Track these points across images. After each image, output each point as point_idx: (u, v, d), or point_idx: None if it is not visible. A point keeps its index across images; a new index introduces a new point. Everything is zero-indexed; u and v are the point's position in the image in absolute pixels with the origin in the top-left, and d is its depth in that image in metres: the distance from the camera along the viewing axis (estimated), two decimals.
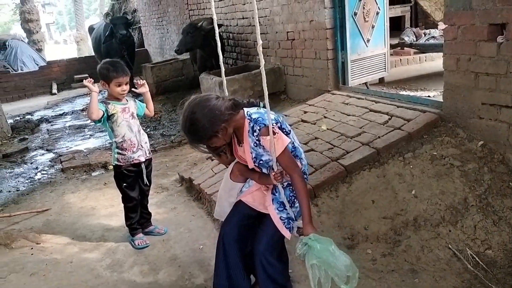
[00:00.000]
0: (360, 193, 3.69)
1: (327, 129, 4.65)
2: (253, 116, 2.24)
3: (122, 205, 3.76)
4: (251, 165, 2.32)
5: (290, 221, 2.41)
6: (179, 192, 4.81)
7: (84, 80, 3.42)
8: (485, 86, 3.64)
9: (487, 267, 2.93)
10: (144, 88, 3.61)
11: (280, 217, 2.38)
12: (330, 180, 3.79)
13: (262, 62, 2.23)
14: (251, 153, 2.26)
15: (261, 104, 2.39)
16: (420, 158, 3.78)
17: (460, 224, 3.22)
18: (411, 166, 3.73)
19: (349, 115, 4.86)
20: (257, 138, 2.21)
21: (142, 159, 3.59)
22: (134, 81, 3.69)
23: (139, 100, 3.76)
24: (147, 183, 3.74)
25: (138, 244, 3.70)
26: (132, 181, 3.61)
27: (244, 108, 2.29)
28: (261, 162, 2.31)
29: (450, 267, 2.99)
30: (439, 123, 4.10)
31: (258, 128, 2.20)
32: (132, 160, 3.53)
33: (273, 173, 2.27)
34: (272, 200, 2.39)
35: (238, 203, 2.55)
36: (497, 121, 3.59)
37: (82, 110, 10.59)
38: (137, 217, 3.76)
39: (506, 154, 3.55)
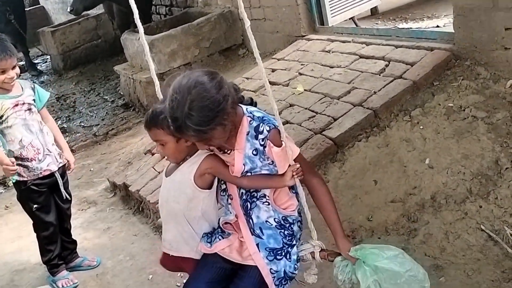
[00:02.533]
0: (357, 172, 3.76)
1: (305, 90, 4.68)
2: (256, 114, 2.24)
3: (35, 234, 3.73)
4: (237, 174, 2.26)
5: (282, 281, 2.33)
6: (112, 205, 4.79)
7: None
8: (508, 5, 3.73)
9: None
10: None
11: (270, 269, 2.31)
12: (316, 161, 3.85)
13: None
14: (244, 164, 2.23)
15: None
16: (432, 114, 3.87)
17: (493, 196, 3.33)
18: (421, 127, 3.82)
19: (332, 67, 4.90)
20: (262, 143, 2.20)
21: (54, 167, 3.58)
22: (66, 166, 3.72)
23: (38, 83, 3.73)
24: (67, 197, 3.73)
25: (63, 286, 3.70)
26: (45, 200, 3.59)
27: (240, 105, 2.27)
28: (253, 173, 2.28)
29: (485, 255, 3.11)
30: (452, 62, 4.18)
31: (267, 129, 2.19)
32: (40, 173, 3.50)
33: (292, 169, 2.23)
34: (258, 245, 2.32)
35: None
36: None
37: None
38: (58, 249, 3.75)
39: None
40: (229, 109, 2.08)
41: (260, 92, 4.99)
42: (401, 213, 3.46)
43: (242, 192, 2.33)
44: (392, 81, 4.26)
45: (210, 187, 2.36)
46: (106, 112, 7.75)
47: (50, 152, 3.56)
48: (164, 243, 2.48)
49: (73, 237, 3.95)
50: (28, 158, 3.44)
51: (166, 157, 2.40)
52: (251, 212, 2.32)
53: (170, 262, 2.53)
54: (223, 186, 2.39)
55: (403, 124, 3.89)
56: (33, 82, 10.95)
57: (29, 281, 3.91)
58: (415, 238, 3.31)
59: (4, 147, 3.46)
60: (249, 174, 2.26)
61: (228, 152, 2.27)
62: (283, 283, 2.34)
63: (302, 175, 2.27)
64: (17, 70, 3.40)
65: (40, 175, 3.50)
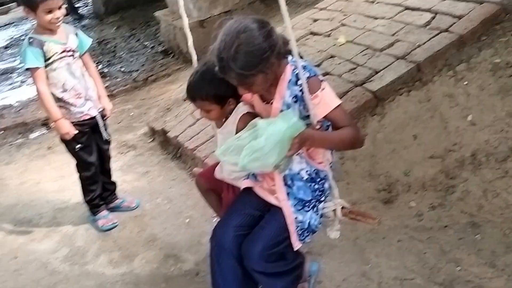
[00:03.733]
0: (396, 127, 3.72)
1: (347, 41, 4.61)
2: (300, 64, 2.23)
3: (77, 175, 3.84)
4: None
5: (305, 232, 2.42)
6: (151, 150, 4.88)
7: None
8: None
9: None
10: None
11: (296, 218, 2.38)
12: (355, 113, 3.82)
13: None
14: (281, 111, 2.26)
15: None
16: (477, 69, 3.77)
17: None
18: (465, 83, 3.73)
19: (376, 18, 4.79)
20: (300, 89, 2.21)
21: (94, 112, 3.64)
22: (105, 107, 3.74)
23: (80, 27, 3.75)
24: (108, 138, 3.81)
25: (103, 225, 3.83)
26: (87, 140, 3.67)
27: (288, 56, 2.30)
28: None
29: None
30: (502, 16, 4.05)
31: (307, 75, 2.21)
32: (81, 117, 3.57)
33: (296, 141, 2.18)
34: (288, 194, 2.40)
35: (240, 194, 2.57)
36: None
37: (6, 47, 10.50)
38: (99, 189, 3.86)
39: None
40: (273, 59, 2.12)
41: (301, 43, 4.92)
42: (440, 169, 3.43)
43: None
44: (437, 34, 4.15)
45: None
46: (146, 58, 7.79)
47: (92, 96, 3.61)
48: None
49: (113, 179, 4.04)
50: (69, 102, 3.50)
51: (208, 120, 2.56)
52: None
53: (209, 179, 2.70)
54: None
55: (447, 79, 3.81)
56: (75, 27, 11.08)
57: (70, 219, 4.05)
58: (452, 194, 3.29)
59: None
60: None
61: (270, 102, 2.31)
62: (305, 234, 2.42)
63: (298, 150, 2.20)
64: (63, 10, 3.42)
65: (81, 119, 3.57)
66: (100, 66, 7.78)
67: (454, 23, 4.17)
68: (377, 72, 4.05)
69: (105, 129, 3.78)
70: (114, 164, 4.37)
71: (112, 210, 3.97)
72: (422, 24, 4.37)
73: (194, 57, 2.66)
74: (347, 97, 3.93)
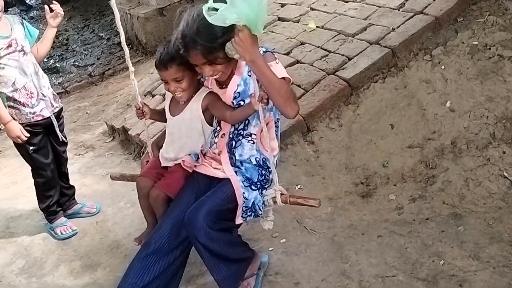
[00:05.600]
0: (372, 116, 3.76)
1: (317, 27, 4.62)
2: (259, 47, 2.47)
3: (30, 180, 3.77)
4: (229, 98, 2.60)
5: (248, 211, 2.59)
6: (111, 150, 4.83)
7: None
8: None
9: None
10: (58, 20, 3.65)
11: (243, 193, 2.57)
12: (328, 103, 3.85)
13: None
14: (237, 86, 2.56)
15: None
16: (454, 53, 3.83)
17: None
18: (442, 67, 3.79)
19: (347, 2, 4.84)
20: None
21: (47, 113, 3.56)
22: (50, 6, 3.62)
23: (26, 19, 3.66)
24: (63, 139, 3.75)
25: (61, 233, 3.77)
26: (41, 142, 3.61)
27: None
28: (241, 102, 2.58)
29: (507, 203, 3.15)
30: None
31: (264, 50, 2.48)
32: (33, 117, 3.50)
33: (258, 95, 2.42)
34: (236, 172, 2.61)
35: (184, 184, 2.77)
36: None
37: None
38: (56, 195, 3.79)
39: None
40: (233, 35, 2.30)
41: (269, 29, 4.92)
42: (419, 159, 3.48)
43: (230, 131, 2.64)
44: (412, 16, 4.21)
45: (212, 124, 2.73)
46: (102, 51, 7.70)
47: (45, 96, 3.53)
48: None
49: (72, 182, 3.98)
50: (20, 102, 3.43)
51: (177, 94, 2.65)
52: (234, 150, 2.64)
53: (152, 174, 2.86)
54: (217, 128, 2.72)
55: (423, 64, 3.87)
56: (22, 17, 10.85)
57: (25, 228, 3.97)
58: (433, 185, 3.34)
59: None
60: (237, 96, 2.57)
61: (223, 86, 2.61)
62: (248, 213, 2.60)
63: (267, 102, 2.43)
64: (1, 2, 3.34)
65: (32, 120, 3.49)
66: (51, 61, 7.66)
67: (429, 4, 4.24)
68: (350, 59, 4.08)
69: (62, 130, 3.72)
70: (71, 166, 4.31)
71: (71, 216, 3.91)
72: (396, 7, 4.42)
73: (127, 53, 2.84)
74: (319, 86, 3.95)
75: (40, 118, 3.53)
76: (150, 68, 5.69)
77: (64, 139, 3.75)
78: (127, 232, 3.70)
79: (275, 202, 2.63)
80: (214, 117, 2.71)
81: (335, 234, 3.19)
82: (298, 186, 3.56)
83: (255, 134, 2.60)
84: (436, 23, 4.04)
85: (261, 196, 2.64)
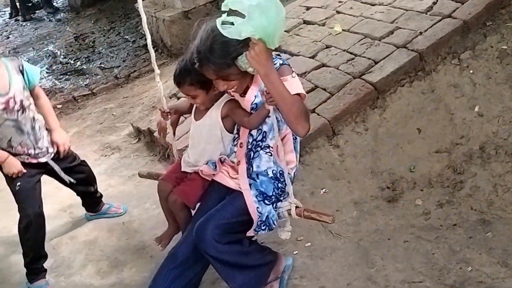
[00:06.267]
0: (399, 120, 3.75)
1: (343, 30, 4.62)
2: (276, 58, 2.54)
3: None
4: (247, 105, 2.60)
5: (262, 225, 2.61)
6: (137, 152, 4.87)
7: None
8: None
9: None
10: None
11: (257, 208, 2.59)
12: (354, 107, 3.84)
13: None
14: (255, 97, 2.56)
15: None
16: (483, 57, 3.80)
17: None
18: (470, 71, 3.76)
19: (374, 5, 4.82)
20: None
21: (44, 159, 3.44)
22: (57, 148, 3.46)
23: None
24: (71, 180, 3.59)
25: None
26: (29, 183, 3.33)
27: None
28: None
29: None
30: (507, 0, 4.07)
31: (280, 62, 2.49)
32: (27, 158, 3.35)
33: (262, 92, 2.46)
34: (250, 185, 2.63)
35: (204, 193, 2.80)
36: None
37: None
38: (42, 250, 3.46)
39: None
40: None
41: (294, 32, 4.93)
42: (446, 164, 3.46)
43: (249, 141, 2.64)
44: (440, 20, 4.18)
45: (233, 131, 2.74)
46: (127, 53, 7.76)
47: (41, 149, 3.40)
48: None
49: (98, 182, 4.00)
50: (15, 154, 3.29)
51: (196, 106, 2.74)
52: (252, 161, 2.64)
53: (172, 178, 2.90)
54: (235, 136, 2.73)
55: (451, 68, 3.84)
56: (50, 20, 10.99)
57: (53, 228, 3.96)
58: (460, 191, 3.32)
59: None
60: (256, 105, 2.56)
61: (243, 95, 2.60)
62: (262, 227, 2.62)
63: (273, 102, 2.39)
64: None
65: (26, 161, 3.34)
66: (78, 63, 7.75)
67: (457, 8, 4.20)
68: (376, 63, 4.07)
69: (66, 171, 3.56)
70: (98, 167, 4.37)
71: (99, 216, 3.96)
72: (423, 10, 4.39)
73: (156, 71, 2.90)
74: (345, 89, 3.95)
75: (35, 161, 3.40)
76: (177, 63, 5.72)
77: (71, 180, 3.60)
78: (153, 233, 3.71)
79: (289, 214, 2.65)
80: (235, 125, 2.72)
81: (361, 239, 3.19)
82: (323, 190, 3.56)
83: (272, 147, 2.61)
84: (464, 27, 4.01)
85: (276, 209, 2.65)
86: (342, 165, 3.66)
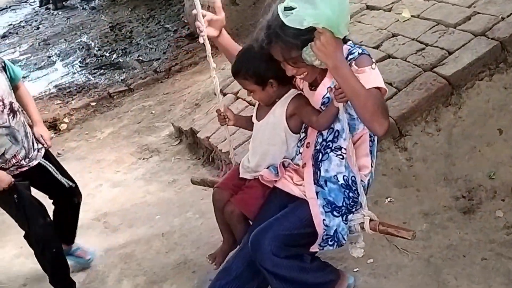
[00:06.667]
0: (477, 119, 3.69)
1: (412, 16, 4.58)
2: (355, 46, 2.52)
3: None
4: (317, 101, 2.59)
5: (329, 240, 2.58)
6: (178, 154, 4.94)
7: None
8: None
9: None
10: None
11: (323, 220, 2.55)
12: (425, 104, 3.80)
13: None
14: (327, 90, 2.50)
15: None
16: None
17: None
18: None
19: None
20: (349, 63, 2.40)
21: (35, 162, 3.41)
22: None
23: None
24: (68, 183, 3.54)
25: None
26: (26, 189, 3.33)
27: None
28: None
29: None
30: None
31: (359, 51, 2.46)
32: (17, 169, 3.33)
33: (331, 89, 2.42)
34: (317, 193, 2.59)
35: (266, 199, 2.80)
36: None
37: (3, 36, 10.77)
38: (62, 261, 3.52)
39: None
40: None
41: (356, 19, 4.91)
42: None
43: (317, 141, 2.60)
44: None
45: (299, 132, 2.71)
46: (168, 44, 7.89)
47: (34, 150, 3.43)
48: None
49: (135, 188, 4.05)
50: (5, 168, 3.30)
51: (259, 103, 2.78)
52: (320, 164, 2.58)
53: (229, 186, 2.91)
54: (302, 135, 2.70)
55: None
56: (83, 8, 11.18)
57: (87, 239, 4.06)
58: None
59: None
60: (327, 100, 2.53)
61: (313, 88, 2.59)
62: (330, 243, 2.59)
63: (344, 98, 2.35)
64: None
65: (16, 172, 3.34)
66: (114, 56, 7.91)
67: None
68: (450, 53, 4.02)
69: (62, 173, 3.54)
70: (135, 172, 4.45)
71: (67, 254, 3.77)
72: None
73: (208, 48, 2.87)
74: (414, 84, 3.90)
75: (26, 168, 3.38)
76: (221, 63, 5.78)
77: (68, 183, 3.55)
78: (196, 245, 3.78)
79: (362, 228, 2.60)
80: (303, 125, 2.70)
81: (431, 255, 3.15)
82: (388, 199, 3.54)
83: (345, 149, 2.53)
84: None
85: (346, 222, 2.59)
86: (410, 171, 3.63)
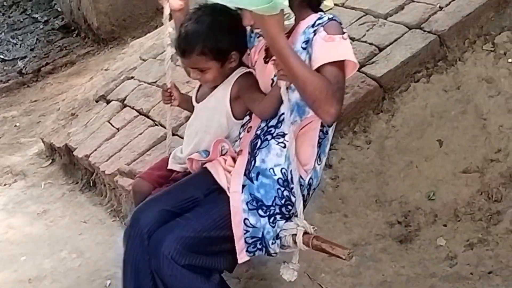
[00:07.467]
0: (413, 129, 3.78)
1: (335, 5, 4.63)
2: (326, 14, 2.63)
3: None
4: (268, 81, 2.67)
5: (258, 243, 2.58)
6: (50, 178, 4.84)
7: None
8: None
9: None
10: None
11: (245, 219, 2.55)
12: (352, 112, 3.87)
13: None
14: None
15: None
16: None
17: None
18: (509, 60, 3.82)
19: None
20: (315, 30, 2.52)
21: None
22: None
23: None
24: None
25: None
26: None
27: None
28: None
29: None
30: None
31: (330, 16, 2.55)
32: None
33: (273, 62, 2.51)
34: (244, 187, 2.60)
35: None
36: None
37: None
38: None
39: None
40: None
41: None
42: (478, 188, 3.50)
43: (259, 126, 2.68)
44: None
45: (243, 117, 2.79)
46: (37, 39, 7.75)
47: None
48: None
49: None
50: None
51: (201, 81, 2.82)
52: (257, 152, 2.63)
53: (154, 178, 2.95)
54: (246, 119, 2.79)
55: (483, 56, 3.89)
56: None
57: None
58: (498, 225, 3.36)
59: None
60: None
61: (267, 60, 2.67)
62: (259, 246, 2.58)
63: (283, 76, 2.42)
64: None
65: None
66: None
67: None
68: (381, 50, 4.11)
69: None
70: None
71: None
72: None
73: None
74: None
75: None
76: (104, 63, 5.73)
77: None
78: None
79: (295, 242, 2.57)
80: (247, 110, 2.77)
81: None
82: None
83: (288, 136, 2.54)
84: (500, 0, 4.07)
85: (273, 226, 2.57)
86: (336, 193, 3.67)
